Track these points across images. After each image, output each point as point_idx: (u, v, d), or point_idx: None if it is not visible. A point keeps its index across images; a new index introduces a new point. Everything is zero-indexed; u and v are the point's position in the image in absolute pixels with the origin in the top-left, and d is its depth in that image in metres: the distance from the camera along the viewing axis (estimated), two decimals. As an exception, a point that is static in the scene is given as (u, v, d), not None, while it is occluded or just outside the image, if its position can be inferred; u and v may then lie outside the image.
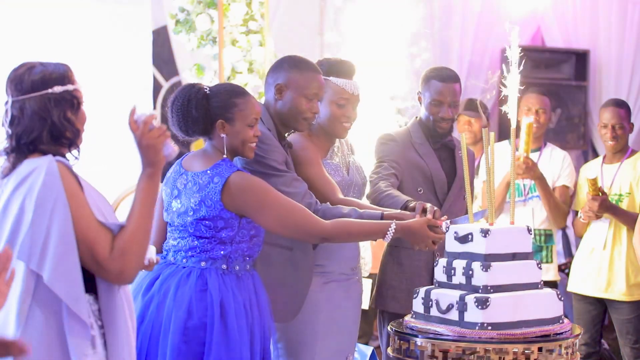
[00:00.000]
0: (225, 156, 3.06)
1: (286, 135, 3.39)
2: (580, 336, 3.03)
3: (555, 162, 4.94)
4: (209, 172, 3.01)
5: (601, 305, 4.73)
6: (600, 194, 4.49)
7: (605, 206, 4.51)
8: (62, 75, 2.40)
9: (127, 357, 2.43)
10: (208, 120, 3.05)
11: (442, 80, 3.73)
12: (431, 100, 3.75)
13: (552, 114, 4.97)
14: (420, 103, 3.83)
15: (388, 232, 3.04)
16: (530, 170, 4.67)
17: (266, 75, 3.39)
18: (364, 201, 3.60)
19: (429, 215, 3.13)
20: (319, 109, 3.34)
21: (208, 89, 3.09)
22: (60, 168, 2.32)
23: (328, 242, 3.16)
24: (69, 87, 2.40)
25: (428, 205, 3.20)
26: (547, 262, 4.89)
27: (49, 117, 2.35)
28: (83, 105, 2.44)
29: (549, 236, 4.91)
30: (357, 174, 3.62)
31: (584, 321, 4.72)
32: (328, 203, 3.28)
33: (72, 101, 2.40)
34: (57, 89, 2.38)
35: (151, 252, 2.91)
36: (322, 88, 3.34)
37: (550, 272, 4.89)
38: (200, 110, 3.03)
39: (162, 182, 3.14)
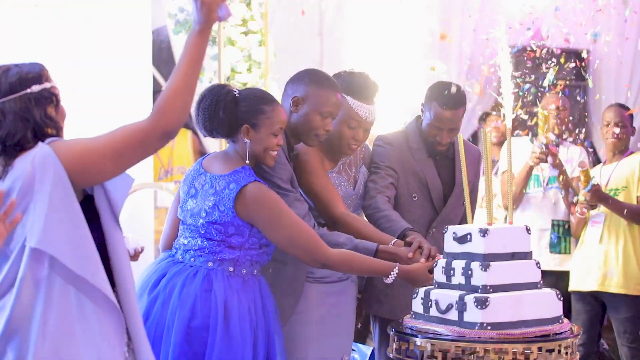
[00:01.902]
0: (247, 162, 3.05)
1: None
2: (578, 337, 3.03)
3: (573, 160, 5.05)
4: (226, 177, 3.01)
5: (599, 305, 4.76)
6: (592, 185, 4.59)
7: (598, 196, 4.61)
8: (39, 74, 2.39)
9: (147, 350, 2.44)
10: (233, 124, 3.05)
11: (443, 107, 3.62)
12: (430, 122, 3.67)
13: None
14: (422, 112, 3.77)
15: (390, 275, 3.07)
16: (553, 157, 4.77)
17: (286, 84, 3.36)
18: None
19: (424, 256, 3.14)
20: (332, 127, 3.31)
21: (237, 92, 3.08)
22: (53, 146, 2.32)
23: (327, 269, 3.15)
24: (47, 85, 2.39)
25: (425, 244, 3.19)
26: (565, 253, 4.99)
27: (31, 116, 2.35)
28: (61, 101, 2.44)
29: (568, 228, 4.98)
30: (364, 186, 3.60)
31: (582, 321, 4.76)
32: (325, 228, 3.27)
33: (52, 98, 2.40)
34: (36, 88, 2.37)
35: (136, 242, 2.91)
36: (339, 107, 3.30)
37: (568, 263, 4.98)
38: (227, 113, 3.03)
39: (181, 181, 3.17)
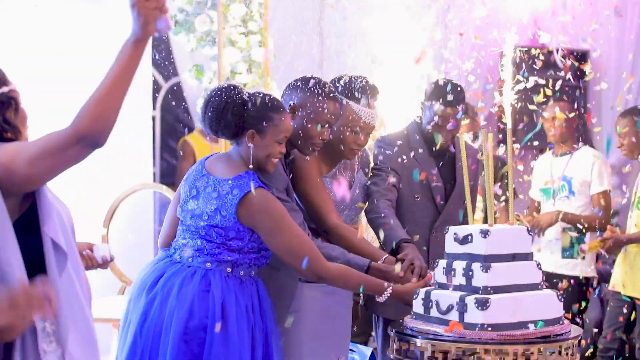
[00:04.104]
0: (250, 167, 3.05)
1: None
2: (578, 337, 3.03)
3: (584, 166, 5.10)
4: (230, 182, 3.00)
5: (632, 304, 4.82)
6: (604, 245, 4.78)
7: (619, 245, 4.74)
8: None
9: (81, 349, 2.37)
10: (240, 127, 3.04)
11: (444, 105, 3.65)
12: (431, 120, 3.69)
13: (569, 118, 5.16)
14: (422, 112, 3.77)
15: (384, 295, 3.09)
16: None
17: (284, 90, 3.34)
18: (363, 217, 3.60)
19: (416, 275, 3.16)
20: (329, 136, 3.29)
21: (247, 95, 3.07)
22: None
23: (322, 282, 3.14)
24: (4, 89, 2.34)
25: (416, 262, 3.20)
26: (576, 257, 5.08)
27: None
28: (21, 104, 2.39)
29: (578, 233, 5.05)
30: (360, 191, 3.60)
31: (610, 313, 4.89)
32: (320, 239, 3.27)
33: (10, 102, 2.35)
34: None
35: (105, 250, 2.90)
36: (337, 116, 3.30)
37: (577, 268, 5.09)
38: (235, 116, 3.02)
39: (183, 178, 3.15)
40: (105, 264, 2.91)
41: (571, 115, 5.14)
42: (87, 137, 2.20)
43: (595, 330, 5.50)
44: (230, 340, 2.93)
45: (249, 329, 2.99)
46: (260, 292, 3.08)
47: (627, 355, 4.96)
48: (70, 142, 2.20)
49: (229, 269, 3.01)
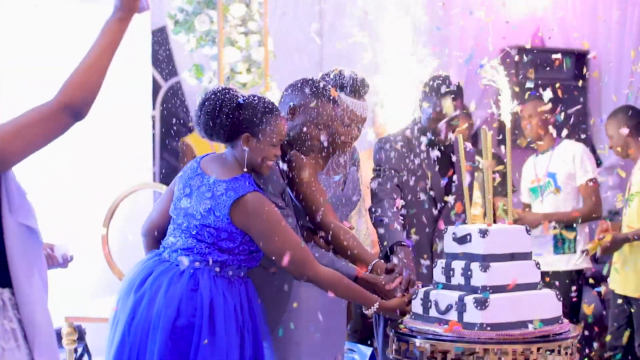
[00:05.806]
0: (245, 170, 3.04)
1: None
2: (578, 337, 3.03)
3: (567, 159, 5.13)
4: (224, 184, 2.99)
5: (630, 304, 4.82)
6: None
7: (618, 243, 4.72)
8: None
9: (49, 350, 2.38)
10: (234, 130, 3.03)
11: (439, 98, 3.68)
12: (431, 116, 3.72)
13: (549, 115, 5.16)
14: (421, 110, 3.79)
15: (371, 308, 3.10)
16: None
17: (284, 91, 3.34)
18: (354, 217, 3.62)
19: (402, 289, 3.16)
20: (327, 138, 3.29)
21: (242, 98, 3.06)
22: None
23: (312, 284, 3.14)
24: None
25: (404, 273, 3.21)
26: (570, 252, 5.10)
27: None
28: None
29: (569, 227, 5.09)
30: (353, 189, 3.60)
31: (612, 313, 4.90)
32: (312, 243, 3.27)
33: None
34: None
35: (65, 250, 2.90)
36: (335, 119, 3.30)
37: (571, 262, 5.10)
38: (229, 119, 3.01)
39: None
40: (65, 262, 2.92)
41: (547, 111, 5.16)
42: (71, 106, 2.28)
43: (596, 328, 5.51)
44: (217, 339, 2.93)
45: (238, 328, 2.99)
46: (249, 292, 3.08)
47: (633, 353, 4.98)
48: (54, 112, 2.27)
49: (217, 269, 3.01)
